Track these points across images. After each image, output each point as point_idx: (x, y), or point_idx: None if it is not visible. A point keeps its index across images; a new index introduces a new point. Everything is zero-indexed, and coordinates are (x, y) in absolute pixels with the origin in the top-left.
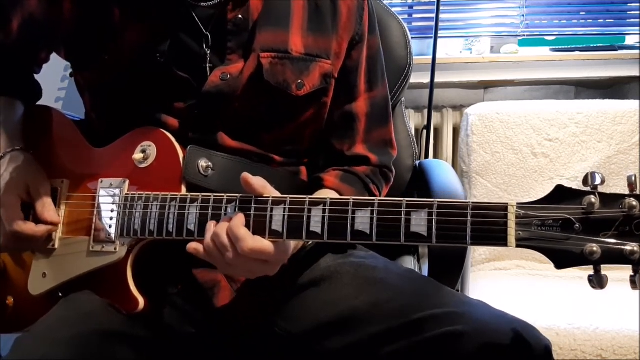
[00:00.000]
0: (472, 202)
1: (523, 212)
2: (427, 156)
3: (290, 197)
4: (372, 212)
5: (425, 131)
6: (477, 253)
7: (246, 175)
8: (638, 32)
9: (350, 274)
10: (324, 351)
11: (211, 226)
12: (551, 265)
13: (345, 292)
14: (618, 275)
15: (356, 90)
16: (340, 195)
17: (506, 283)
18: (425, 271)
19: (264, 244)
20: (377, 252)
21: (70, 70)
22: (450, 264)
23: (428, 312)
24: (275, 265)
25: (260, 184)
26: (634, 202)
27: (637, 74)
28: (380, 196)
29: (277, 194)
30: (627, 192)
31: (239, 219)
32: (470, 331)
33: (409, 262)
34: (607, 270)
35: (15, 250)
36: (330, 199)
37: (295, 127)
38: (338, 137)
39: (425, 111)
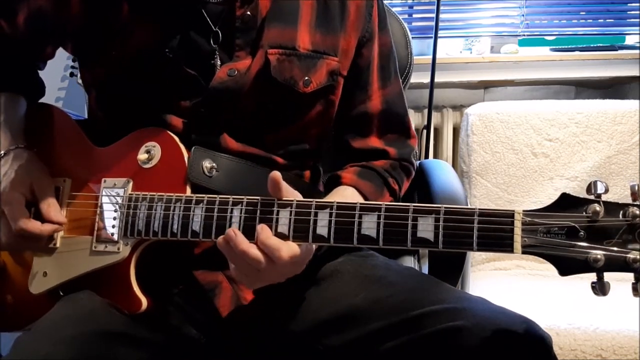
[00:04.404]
0: (479, 209)
1: (529, 219)
2: (427, 156)
3: (297, 201)
4: (378, 217)
5: (425, 131)
6: (477, 253)
7: (277, 175)
8: (638, 32)
9: (350, 272)
10: (325, 349)
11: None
12: (551, 265)
13: (345, 289)
14: (618, 275)
15: (369, 88)
16: (359, 191)
17: (506, 283)
18: (425, 271)
19: (294, 247)
20: (378, 252)
21: (71, 70)
22: (450, 264)
23: (428, 308)
24: (302, 264)
25: (286, 188)
26: (638, 211)
27: (637, 74)
28: (400, 191)
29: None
30: (628, 193)
31: (266, 231)
32: (470, 326)
33: (409, 262)
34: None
35: (19, 249)
36: (337, 202)
37: (302, 126)
38: (354, 136)
39: (425, 111)
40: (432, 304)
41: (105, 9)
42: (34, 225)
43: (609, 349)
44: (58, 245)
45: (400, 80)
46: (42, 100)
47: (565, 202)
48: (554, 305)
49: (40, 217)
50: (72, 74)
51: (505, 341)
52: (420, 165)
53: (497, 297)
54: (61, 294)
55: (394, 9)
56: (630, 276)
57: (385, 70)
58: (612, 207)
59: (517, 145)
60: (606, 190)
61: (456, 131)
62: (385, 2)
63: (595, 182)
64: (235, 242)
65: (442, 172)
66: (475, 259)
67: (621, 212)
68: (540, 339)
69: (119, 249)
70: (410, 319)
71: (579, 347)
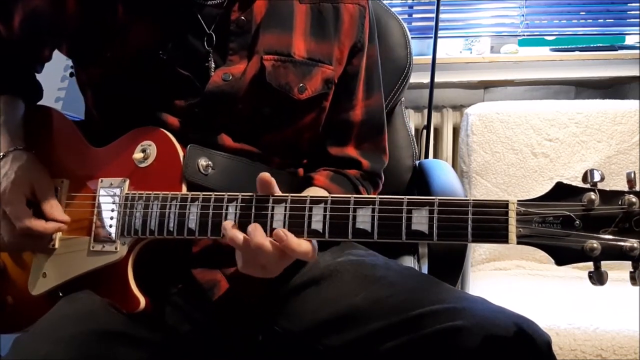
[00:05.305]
0: (473, 200)
1: (524, 209)
2: (427, 156)
3: (292, 196)
4: (373, 210)
5: (425, 131)
6: (477, 253)
7: (267, 176)
8: (638, 32)
9: (350, 272)
10: (325, 349)
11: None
12: (551, 265)
13: (345, 289)
14: (618, 275)
15: (354, 97)
16: (330, 194)
17: (506, 283)
18: (425, 271)
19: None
20: (378, 252)
21: (70, 70)
22: (450, 264)
23: (428, 307)
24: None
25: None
26: (634, 199)
27: (637, 74)
28: None
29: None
30: (626, 189)
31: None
32: (470, 326)
33: (409, 262)
34: (607, 270)
35: (20, 248)
36: (332, 196)
37: (296, 130)
38: (332, 142)
39: (425, 111)
40: (432, 303)
41: (101, 10)
42: (38, 224)
43: (609, 349)
44: (57, 246)
45: (383, 95)
46: (42, 100)
47: (561, 192)
48: (554, 305)
49: (41, 216)
50: (72, 74)
51: (504, 341)
52: (420, 165)
53: (497, 297)
54: (60, 294)
55: (393, 9)
56: (628, 275)
57: (370, 82)
58: (608, 195)
59: (517, 145)
60: (602, 179)
61: (456, 131)
62: (385, 2)
63: (591, 171)
64: (253, 235)
65: (442, 172)
66: (475, 259)
67: (617, 200)
68: (540, 338)
69: (116, 248)
70: (410, 319)
71: (579, 347)
